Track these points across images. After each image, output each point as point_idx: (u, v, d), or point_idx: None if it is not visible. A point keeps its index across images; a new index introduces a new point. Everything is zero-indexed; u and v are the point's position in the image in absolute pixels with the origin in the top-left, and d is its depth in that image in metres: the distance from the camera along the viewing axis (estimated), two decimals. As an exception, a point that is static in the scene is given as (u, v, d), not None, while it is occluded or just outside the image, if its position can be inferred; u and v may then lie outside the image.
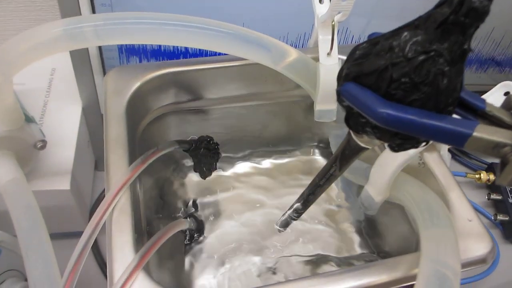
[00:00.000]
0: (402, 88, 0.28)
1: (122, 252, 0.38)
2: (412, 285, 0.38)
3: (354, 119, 0.32)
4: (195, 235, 0.53)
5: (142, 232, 0.44)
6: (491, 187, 0.69)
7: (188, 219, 0.51)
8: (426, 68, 0.27)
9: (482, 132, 0.27)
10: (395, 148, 0.32)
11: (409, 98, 0.28)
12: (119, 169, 0.43)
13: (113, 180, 0.42)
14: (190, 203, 0.58)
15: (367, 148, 0.36)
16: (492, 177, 0.67)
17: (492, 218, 0.66)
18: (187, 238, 0.54)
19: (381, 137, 0.32)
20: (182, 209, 0.59)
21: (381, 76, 0.28)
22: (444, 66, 0.27)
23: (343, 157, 0.39)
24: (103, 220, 0.40)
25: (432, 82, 0.27)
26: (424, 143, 0.31)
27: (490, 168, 0.69)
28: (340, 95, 0.31)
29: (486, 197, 0.67)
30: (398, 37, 0.28)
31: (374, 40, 0.29)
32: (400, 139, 0.31)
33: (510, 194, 0.66)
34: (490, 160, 0.72)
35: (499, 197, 0.66)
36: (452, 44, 0.27)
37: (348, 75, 0.30)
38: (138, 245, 0.40)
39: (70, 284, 0.37)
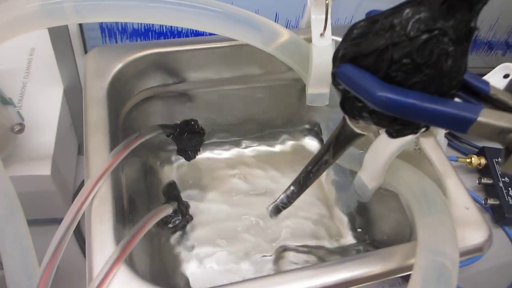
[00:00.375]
0: (403, 70, 0.26)
1: (103, 244, 0.36)
2: (408, 275, 0.37)
3: (350, 104, 0.31)
4: (181, 220, 0.51)
5: (125, 222, 0.42)
6: (482, 171, 0.68)
7: (172, 203, 0.48)
8: (430, 48, 0.25)
9: (487, 117, 0.26)
10: (393, 134, 0.31)
11: (411, 81, 0.26)
12: (99, 155, 0.41)
13: (93, 167, 0.40)
14: (165, 185, 0.55)
15: (363, 135, 0.35)
16: (483, 161, 0.67)
17: (483, 202, 0.66)
18: (172, 223, 0.52)
19: (378, 123, 0.30)
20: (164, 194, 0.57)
21: (380, 57, 0.27)
22: (449, 46, 0.25)
23: (337, 144, 0.37)
24: (82, 210, 0.38)
25: (435, 63, 0.26)
26: (424, 129, 0.30)
27: (481, 152, 0.69)
28: (336, 78, 0.29)
29: (477, 182, 0.67)
30: (399, 15, 0.26)
31: (373, 18, 0.28)
32: (400, 124, 0.29)
33: (501, 178, 0.66)
34: (481, 144, 0.71)
35: (490, 181, 0.66)
36: (457, 22, 0.25)
37: (345, 56, 0.29)
38: (121, 236, 0.38)
39: (48, 275, 0.35)
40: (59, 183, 0.57)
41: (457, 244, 0.36)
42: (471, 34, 0.26)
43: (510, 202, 0.63)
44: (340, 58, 0.29)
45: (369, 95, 0.27)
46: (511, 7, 0.67)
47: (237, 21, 0.44)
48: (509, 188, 0.65)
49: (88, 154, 0.42)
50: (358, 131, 0.34)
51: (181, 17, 0.43)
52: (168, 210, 0.45)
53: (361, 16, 0.30)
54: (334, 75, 0.30)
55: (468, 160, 0.68)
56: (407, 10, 0.26)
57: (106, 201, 0.38)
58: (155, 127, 0.47)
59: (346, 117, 0.34)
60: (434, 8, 0.25)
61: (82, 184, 0.67)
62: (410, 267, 0.37)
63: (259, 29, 0.45)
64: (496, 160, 0.67)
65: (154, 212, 0.41)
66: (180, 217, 0.50)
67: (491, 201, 0.64)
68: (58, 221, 0.60)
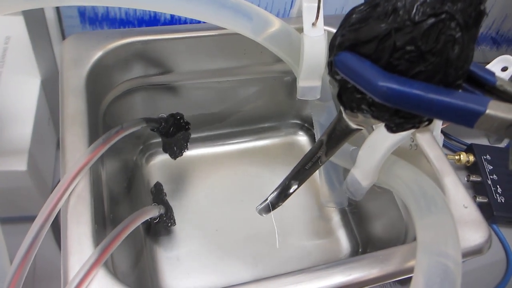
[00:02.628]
0: (407, 58, 0.24)
1: (80, 246, 0.34)
2: (405, 279, 0.35)
3: (348, 95, 0.29)
4: (165, 223, 0.48)
5: (105, 222, 0.39)
6: (470, 169, 0.67)
7: (157, 205, 0.45)
8: (436, 34, 0.23)
9: (496, 109, 0.24)
10: (393, 128, 0.29)
11: (414, 70, 0.24)
12: (77, 150, 0.38)
13: (69, 162, 0.37)
14: (153, 186, 0.53)
15: (358, 130, 0.33)
16: (471, 158, 0.66)
17: (471, 200, 0.65)
18: (155, 227, 0.50)
19: (378, 116, 0.28)
20: (151, 194, 0.55)
21: (382, 43, 0.25)
22: (456, 32, 0.24)
23: (331, 140, 0.36)
24: (57, 208, 0.35)
25: (441, 50, 0.24)
26: (426, 123, 0.28)
27: (469, 149, 0.68)
28: (333, 67, 0.27)
29: (466, 179, 0.66)
30: None
31: (374, 2, 0.26)
32: (401, 118, 0.27)
33: (489, 175, 0.65)
34: (470, 141, 0.70)
35: (479, 179, 0.65)
36: (466, 5, 0.23)
37: (343, 44, 0.27)
38: (100, 237, 0.35)
39: (19, 276, 0.33)
40: (36, 179, 0.55)
41: (459, 245, 0.34)
42: (480, 19, 0.24)
43: (499, 200, 0.63)
44: (338, 45, 0.27)
45: (370, 85, 0.25)
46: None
47: (227, 8, 0.42)
48: (498, 186, 0.64)
49: (64, 148, 0.39)
50: (354, 126, 0.33)
51: (167, 2, 0.40)
52: (154, 212, 0.42)
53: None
54: (331, 64, 0.28)
55: (456, 157, 0.67)
56: None
57: (84, 200, 0.36)
58: (139, 121, 0.44)
59: (343, 111, 0.32)
60: None
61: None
62: (409, 270, 0.36)
63: (250, 18, 0.43)
64: (485, 157, 0.67)
65: (138, 213, 0.38)
66: (164, 221, 0.47)
67: (479, 199, 0.63)
68: (34, 218, 0.59)
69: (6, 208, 0.49)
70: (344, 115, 0.33)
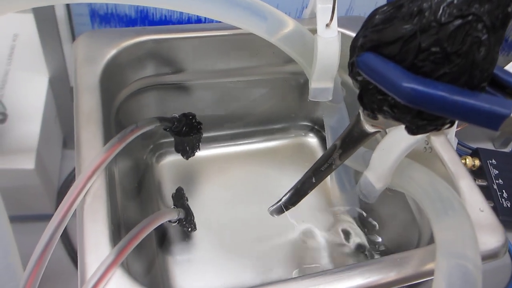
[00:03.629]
0: (432, 60, 0.24)
1: (97, 245, 0.33)
2: (419, 283, 0.34)
3: (369, 96, 0.29)
4: (185, 228, 0.47)
5: (119, 222, 0.39)
6: (476, 173, 0.67)
7: (178, 209, 0.45)
8: (462, 36, 0.23)
9: None
10: (414, 130, 0.29)
11: (439, 72, 0.24)
12: (92, 148, 0.38)
13: (85, 161, 0.37)
14: (175, 191, 0.52)
15: (375, 134, 0.33)
16: (477, 162, 0.66)
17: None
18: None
19: (400, 118, 0.28)
20: (163, 194, 0.54)
21: (406, 44, 0.24)
22: (483, 34, 0.23)
23: (347, 144, 0.36)
24: (73, 207, 0.34)
25: (467, 52, 0.23)
26: (448, 125, 0.28)
27: (475, 154, 0.68)
28: (355, 68, 0.27)
29: None
30: None
31: (398, 3, 0.25)
32: (424, 119, 0.27)
33: (495, 180, 0.65)
34: (476, 145, 0.70)
35: (484, 183, 0.65)
36: (494, 7, 0.23)
37: (365, 44, 0.26)
38: (115, 237, 0.34)
39: (35, 278, 0.32)
40: (43, 178, 0.54)
41: (478, 248, 0.33)
42: (508, 21, 0.24)
43: (505, 205, 0.62)
44: (360, 46, 0.27)
45: (394, 86, 0.24)
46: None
47: (242, 8, 0.41)
48: (503, 190, 0.64)
49: (79, 146, 0.38)
50: (371, 129, 0.32)
51: (181, 1, 0.40)
52: (173, 215, 0.42)
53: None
54: (352, 65, 0.28)
55: (462, 161, 0.66)
56: None
57: (100, 198, 0.35)
58: (153, 120, 0.44)
59: (361, 113, 0.32)
60: None
61: (68, 178, 0.64)
62: (427, 273, 0.35)
63: (264, 18, 0.43)
64: (490, 161, 0.66)
65: (157, 214, 0.38)
66: (184, 225, 0.46)
67: (485, 203, 0.63)
68: (40, 217, 0.58)
69: (13, 207, 0.49)
70: (362, 118, 0.32)
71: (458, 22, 0.23)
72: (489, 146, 0.78)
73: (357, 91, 0.30)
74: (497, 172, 0.66)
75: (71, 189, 0.35)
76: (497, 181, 0.65)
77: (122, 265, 0.33)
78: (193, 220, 0.48)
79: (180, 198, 0.47)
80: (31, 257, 0.33)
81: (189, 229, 0.48)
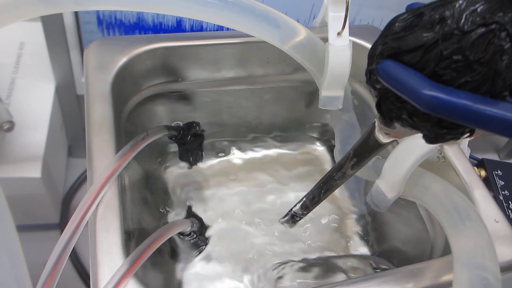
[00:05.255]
0: (453, 68, 0.23)
1: (109, 256, 0.32)
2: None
3: (388, 105, 0.28)
4: (198, 240, 0.47)
5: (130, 231, 0.38)
6: (482, 184, 0.67)
7: (191, 219, 0.44)
8: (484, 44, 0.23)
9: None
10: (433, 139, 0.28)
11: (460, 80, 0.24)
12: (105, 156, 0.37)
13: (97, 169, 0.36)
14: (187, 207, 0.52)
15: (388, 144, 0.33)
16: (483, 173, 0.66)
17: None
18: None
19: (419, 126, 0.27)
20: (169, 203, 0.53)
21: (427, 52, 0.24)
22: (506, 43, 0.23)
23: (359, 154, 0.36)
24: (87, 217, 0.33)
25: (490, 61, 0.23)
26: (467, 134, 0.27)
27: (481, 164, 0.67)
28: (374, 75, 0.27)
29: None
30: (451, 6, 0.23)
31: (418, 11, 0.25)
32: (444, 128, 0.27)
33: (501, 191, 0.64)
34: (481, 156, 0.69)
35: (490, 194, 0.63)
36: None
37: (385, 52, 0.26)
38: (127, 247, 0.34)
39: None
40: (49, 187, 0.54)
41: (497, 258, 0.33)
42: None
43: (511, 216, 0.61)
44: (379, 54, 0.26)
45: (414, 94, 0.24)
46: None
47: (256, 16, 0.41)
48: (510, 202, 0.63)
49: (91, 154, 0.38)
50: (385, 140, 0.32)
51: (193, 9, 0.39)
52: (186, 225, 0.41)
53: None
54: (370, 73, 0.27)
55: (468, 172, 0.66)
56: (461, 1, 0.23)
57: (113, 208, 0.34)
58: (161, 128, 0.43)
59: (377, 121, 0.32)
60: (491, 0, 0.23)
61: (73, 187, 0.63)
62: (444, 284, 0.35)
63: (277, 26, 0.42)
64: (496, 172, 0.66)
65: (171, 225, 0.37)
66: (197, 236, 0.46)
67: (491, 215, 0.62)
68: (44, 227, 0.58)
69: (18, 216, 0.48)
70: (377, 127, 0.32)
71: (481, 30, 0.23)
72: (494, 157, 0.78)
73: (375, 99, 0.29)
74: (503, 183, 0.65)
75: (84, 198, 0.34)
76: (503, 192, 0.64)
77: (135, 276, 0.32)
78: (205, 233, 0.47)
79: (191, 214, 0.46)
80: (45, 267, 0.32)
81: (201, 242, 0.47)
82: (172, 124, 0.53)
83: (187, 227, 0.42)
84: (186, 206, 0.51)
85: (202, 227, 0.46)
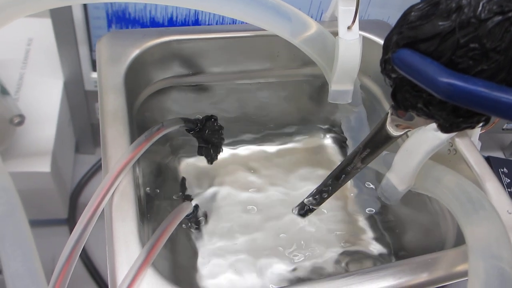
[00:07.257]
0: (470, 56, 0.24)
1: (127, 245, 0.32)
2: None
3: (403, 94, 0.28)
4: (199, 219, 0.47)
5: (143, 221, 0.38)
6: (487, 182, 0.67)
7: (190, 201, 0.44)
8: (501, 32, 0.23)
9: None
10: (448, 128, 0.28)
11: (477, 68, 0.24)
12: (119, 146, 0.37)
13: (112, 159, 0.36)
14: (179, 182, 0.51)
15: (399, 137, 0.33)
16: (489, 171, 0.65)
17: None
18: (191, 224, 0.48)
19: (435, 115, 0.27)
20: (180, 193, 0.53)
21: (444, 41, 0.24)
22: None
23: (370, 147, 0.36)
24: (102, 206, 0.33)
25: (506, 49, 0.23)
26: (483, 122, 0.27)
27: (486, 162, 0.67)
28: (389, 65, 0.27)
29: None
30: None
31: (434, 0, 0.25)
32: (459, 116, 0.27)
33: (507, 188, 0.64)
34: (487, 153, 0.70)
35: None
36: None
37: (400, 41, 0.26)
38: (143, 236, 0.34)
39: (64, 278, 0.31)
40: (57, 182, 0.54)
41: (512, 249, 0.33)
42: None
43: (516, 213, 0.62)
44: (395, 43, 0.26)
45: (431, 81, 0.24)
46: None
47: (268, 8, 0.41)
48: (515, 199, 0.63)
49: (106, 145, 0.38)
50: (396, 133, 0.33)
51: (205, 1, 0.40)
52: (190, 208, 0.41)
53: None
54: (385, 62, 0.27)
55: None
56: None
57: (129, 197, 0.34)
58: (177, 120, 0.43)
59: (390, 112, 0.32)
60: None
61: (80, 183, 0.63)
62: (460, 274, 0.35)
63: (289, 19, 0.42)
64: (502, 170, 0.66)
65: (177, 210, 0.37)
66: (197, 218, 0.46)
67: (496, 214, 0.63)
68: (52, 222, 0.57)
69: (27, 211, 0.48)
70: (388, 119, 0.32)
71: (498, 18, 0.23)
72: (499, 154, 0.78)
73: (390, 88, 0.29)
74: (509, 180, 0.65)
75: (99, 187, 0.34)
76: (509, 190, 0.64)
77: (153, 265, 0.32)
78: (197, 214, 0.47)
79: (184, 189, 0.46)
80: (59, 259, 0.32)
81: (194, 225, 0.48)
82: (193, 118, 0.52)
83: (190, 209, 0.41)
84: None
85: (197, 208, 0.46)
